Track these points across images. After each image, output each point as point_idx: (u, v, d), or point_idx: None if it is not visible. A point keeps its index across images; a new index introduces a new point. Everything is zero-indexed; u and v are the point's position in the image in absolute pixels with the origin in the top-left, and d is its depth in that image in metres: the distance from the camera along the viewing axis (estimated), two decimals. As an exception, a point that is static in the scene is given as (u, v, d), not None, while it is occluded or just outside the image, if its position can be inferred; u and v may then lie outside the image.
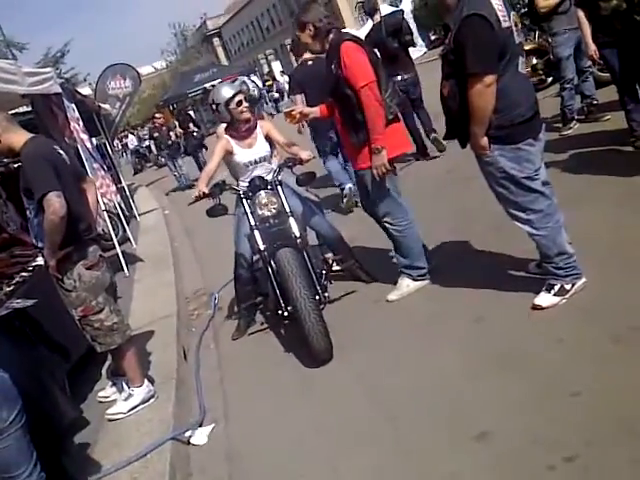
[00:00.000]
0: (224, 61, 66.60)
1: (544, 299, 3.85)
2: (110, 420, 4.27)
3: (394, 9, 10.98)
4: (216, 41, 77.94)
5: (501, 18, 3.47)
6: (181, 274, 8.02)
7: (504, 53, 3.51)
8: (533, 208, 3.74)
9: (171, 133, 16.98)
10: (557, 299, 3.81)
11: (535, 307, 3.85)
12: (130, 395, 4.30)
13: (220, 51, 77.02)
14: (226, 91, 4.88)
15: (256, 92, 5.38)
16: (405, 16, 9.03)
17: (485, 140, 3.62)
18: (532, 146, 3.70)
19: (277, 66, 45.04)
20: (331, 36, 4.51)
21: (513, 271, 4.43)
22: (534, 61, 9.96)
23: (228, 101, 4.86)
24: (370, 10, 8.90)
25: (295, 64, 9.74)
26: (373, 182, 4.58)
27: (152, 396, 4.32)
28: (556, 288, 3.83)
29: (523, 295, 4.03)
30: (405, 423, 3.34)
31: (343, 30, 4.94)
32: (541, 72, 9.90)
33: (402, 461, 3.05)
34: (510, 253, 4.64)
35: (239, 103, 4.87)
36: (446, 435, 3.11)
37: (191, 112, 24.50)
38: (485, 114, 3.54)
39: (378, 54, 4.92)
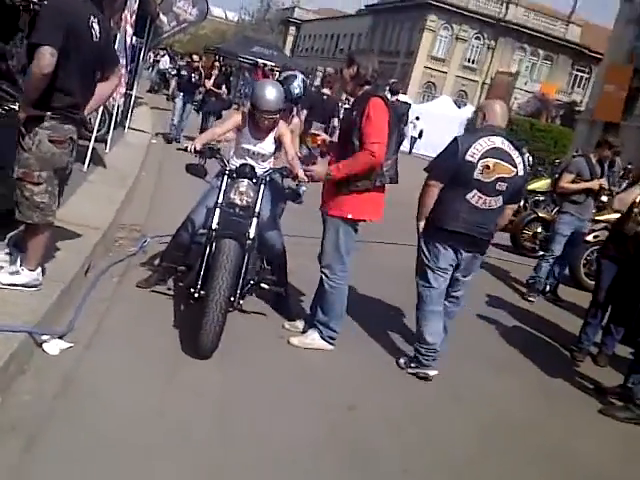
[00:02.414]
0: (287, 50, 66.76)
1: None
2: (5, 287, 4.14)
3: (407, 99, 12.15)
4: (292, 30, 78.44)
5: (469, 153, 4.50)
6: (130, 200, 7.95)
7: (456, 176, 4.57)
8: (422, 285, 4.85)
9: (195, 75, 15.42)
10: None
11: None
12: (17, 272, 4.19)
13: (289, 40, 77.44)
14: (265, 103, 4.81)
15: (297, 91, 5.45)
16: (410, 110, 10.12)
17: (421, 224, 4.79)
18: (446, 250, 4.69)
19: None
20: (367, 87, 4.59)
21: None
22: (538, 229, 10.27)
23: (258, 105, 4.85)
24: (394, 90, 9.64)
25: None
26: (331, 232, 4.70)
27: (35, 286, 4.22)
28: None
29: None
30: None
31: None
32: (538, 242, 10.18)
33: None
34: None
35: (267, 117, 4.86)
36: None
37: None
38: (422, 203, 4.77)
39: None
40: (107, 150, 10.27)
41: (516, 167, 4.57)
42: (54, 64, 3.66)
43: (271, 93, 4.79)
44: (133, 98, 14.16)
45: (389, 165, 4.59)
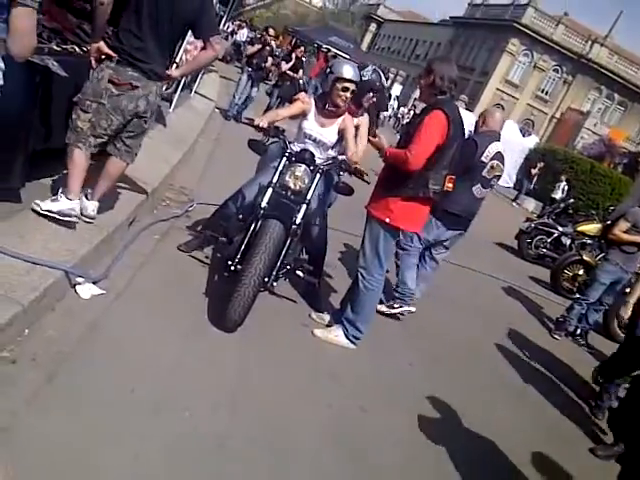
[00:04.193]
0: (364, 46, 66.60)
1: None
2: (33, 210, 4.25)
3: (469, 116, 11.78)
4: (372, 27, 78.30)
5: (485, 155, 5.80)
6: (183, 163, 8.02)
7: (469, 172, 5.67)
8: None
9: (270, 60, 14.64)
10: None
11: None
12: (56, 200, 4.28)
13: (368, 36, 77.31)
14: (346, 70, 4.90)
15: (378, 84, 5.47)
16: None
17: None
18: (439, 228, 5.89)
19: (397, 89, 45.33)
20: (441, 97, 4.55)
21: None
22: (580, 272, 10.12)
23: (340, 78, 4.89)
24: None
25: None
26: (372, 233, 4.72)
27: (70, 216, 4.27)
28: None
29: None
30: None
31: (456, 102, 4.95)
32: (577, 284, 10.04)
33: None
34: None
35: (345, 89, 4.90)
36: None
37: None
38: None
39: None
40: (171, 110, 10.36)
41: (504, 166, 5.97)
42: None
43: (351, 65, 5.03)
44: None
45: (437, 179, 4.55)
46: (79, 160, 4.31)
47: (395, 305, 5.95)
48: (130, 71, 4.19)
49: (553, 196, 22.99)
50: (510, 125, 34.81)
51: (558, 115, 54.33)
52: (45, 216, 4.23)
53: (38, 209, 4.25)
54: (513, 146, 30.66)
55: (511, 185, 31.35)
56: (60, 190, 4.36)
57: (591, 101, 54.85)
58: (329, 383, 4.30)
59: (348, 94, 4.89)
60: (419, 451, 3.98)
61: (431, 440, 4.14)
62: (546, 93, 55.23)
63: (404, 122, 34.56)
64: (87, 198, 4.54)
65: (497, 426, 4.72)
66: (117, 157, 4.51)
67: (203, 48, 4.49)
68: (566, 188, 23.34)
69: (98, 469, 2.68)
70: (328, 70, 5.01)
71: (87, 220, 4.53)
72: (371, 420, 4.08)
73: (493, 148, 5.85)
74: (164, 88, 8.69)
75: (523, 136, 34.88)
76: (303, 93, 5.28)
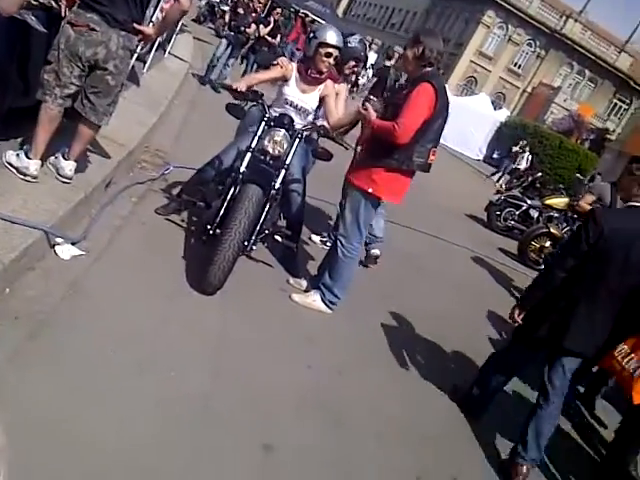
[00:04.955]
0: (340, 12, 65.87)
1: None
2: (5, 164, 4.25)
3: None
4: (347, -6, 77.44)
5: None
6: (158, 126, 7.94)
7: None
8: None
9: (253, 26, 13.85)
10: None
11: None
12: (18, 155, 4.28)
13: (343, 2, 76.39)
14: (330, 36, 4.89)
15: (362, 55, 5.47)
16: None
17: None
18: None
19: (372, 57, 45.08)
20: (428, 69, 4.53)
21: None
22: (546, 244, 10.31)
23: (323, 43, 4.88)
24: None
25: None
26: (352, 203, 4.75)
27: (25, 175, 4.24)
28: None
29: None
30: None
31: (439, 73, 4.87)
32: (543, 255, 10.24)
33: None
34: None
35: (328, 55, 4.89)
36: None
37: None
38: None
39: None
40: (145, 70, 10.21)
41: None
42: None
43: (335, 31, 4.98)
44: (179, 24, 13.97)
45: (421, 153, 4.55)
46: (45, 116, 4.26)
47: (328, 243, 6.21)
48: (89, 14, 4.13)
49: (516, 166, 23.24)
50: (482, 98, 35.00)
51: (529, 89, 54.67)
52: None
53: (3, 158, 4.26)
54: (484, 119, 30.89)
55: (481, 158, 31.58)
56: (25, 147, 4.34)
57: (562, 76, 55.26)
58: (307, 346, 4.37)
59: (331, 60, 4.88)
60: (395, 412, 4.08)
61: (406, 401, 4.25)
62: (519, 67, 55.49)
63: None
64: (64, 158, 4.51)
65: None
66: (83, 114, 4.45)
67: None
68: (530, 158, 23.54)
69: (80, 427, 2.71)
70: (312, 35, 4.99)
71: (64, 180, 4.50)
72: (348, 382, 4.17)
73: None
74: (139, 48, 8.58)
75: (495, 109, 35.07)
76: (284, 58, 5.23)
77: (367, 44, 6.24)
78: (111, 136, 5.80)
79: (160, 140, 7.44)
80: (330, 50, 4.84)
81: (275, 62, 5.23)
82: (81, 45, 4.17)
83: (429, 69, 4.54)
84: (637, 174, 3.91)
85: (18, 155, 4.28)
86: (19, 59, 4.31)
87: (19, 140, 4.74)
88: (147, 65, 10.36)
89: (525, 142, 25.29)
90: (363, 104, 4.84)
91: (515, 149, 24.75)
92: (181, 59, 14.07)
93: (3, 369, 2.77)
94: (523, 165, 22.91)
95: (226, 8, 27.99)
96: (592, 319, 3.80)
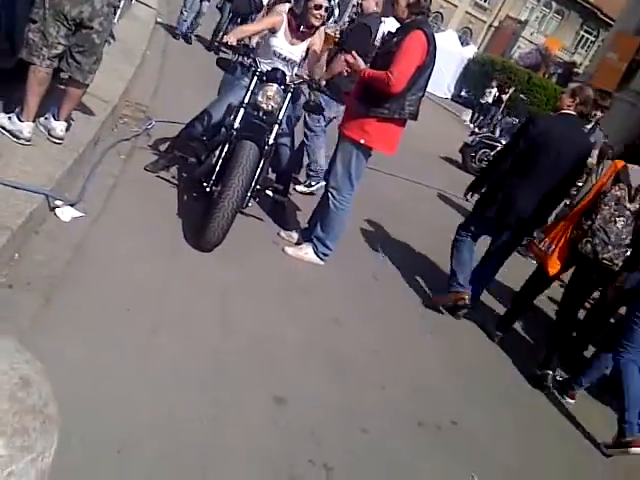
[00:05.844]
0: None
1: None
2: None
3: None
4: None
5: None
6: (136, 78, 7.85)
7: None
8: None
9: None
10: None
11: None
12: (10, 118, 4.28)
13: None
14: None
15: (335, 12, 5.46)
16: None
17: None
18: (339, 107, 5.88)
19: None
20: (419, 17, 4.53)
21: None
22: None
23: None
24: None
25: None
26: (344, 153, 4.79)
27: (18, 138, 4.24)
28: None
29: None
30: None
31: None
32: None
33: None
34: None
35: (318, 7, 4.88)
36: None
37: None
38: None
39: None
40: (115, 21, 9.98)
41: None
42: None
43: None
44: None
45: (412, 101, 4.59)
46: (34, 78, 4.24)
47: (312, 183, 6.62)
48: None
49: (482, 101, 23.23)
50: (449, 34, 34.68)
51: (496, 24, 54.27)
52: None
53: None
54: (452, 56, 30.69)
55: (449, 96, 31.54)
56: (16, 109, 4.32)
57: (529, 9, 54.92)
58: (304, 297, 4.52)
59: (322, 12, 4.87)
60: (392, 362, 4.26)
61: (402, 350, 4.45)
62: (485, 0, 54.91)
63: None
64: (55, 118, 4.51)
65: (463, 329, 5.08)
66: (69, 74, 4.44)
67: None
68: (497, 94, 23.49)
69: (105, 385, 2.83)
70: None
71: (56, 141, 4.52)
72: (346, 330, 4.35)
73: (381, 30, 6.49)
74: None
75: (462, 45, 34.86)
76: (283, 5, 5.17)
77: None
78: (93, 91, 5.73)
79: (139, 93, 7.39)
80: (319, 1, 4.83)
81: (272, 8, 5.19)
82: (66, 4, 4.12)
83: (420, 17, 4.54)
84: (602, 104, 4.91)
85: (10, 118, 4.27)
86: (4, 20, 4.25)
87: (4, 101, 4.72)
88: (118, 14, 10.12)
89: (494, 78, 25.19)
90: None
91: (505, 97, 23.46)
92: (148, 5, 13.74)
93: (26, 335, 2.85)
94: (490, 100, 22.91)
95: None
96: (532, 199, 4.94)
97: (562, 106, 5.01)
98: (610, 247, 4.44)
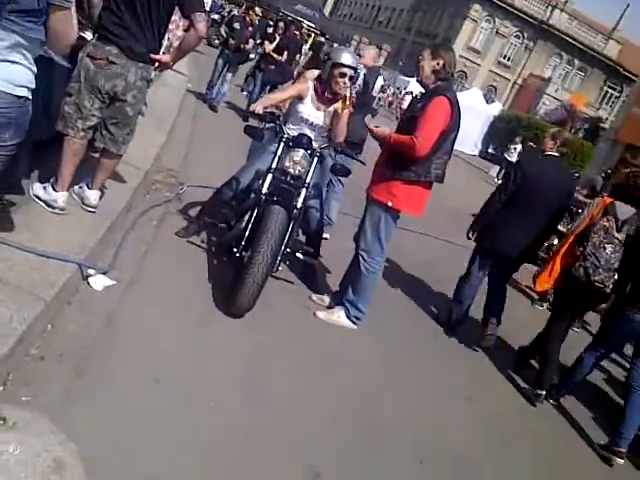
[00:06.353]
0: (326, 12, 65.91)
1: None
2: (34, 197, 4.32)
3: None
4: (334, -7, 77.51)
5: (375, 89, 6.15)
6: (167, 144, 8.00)
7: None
8: None
9: (251, 42, 13.25)
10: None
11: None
12: (45, 188, 4.36)
13: (330, 2, 76.42)
14: (345, 57, 4.94)
15: (358, 84, 5.57)
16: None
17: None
18: (344, 159, 5.75)
19: (360, 56, 45.19)
20: (443, 83, 4.63)
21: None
22: (554, 242, 10.24)
23: (337, 64, 4.94)
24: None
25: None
26: (373, 216, 4.81)
27: (53, 207, 4.31)
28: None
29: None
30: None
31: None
32: (551, 253, 10.21)
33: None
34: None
35: (342, 75, 4.93)
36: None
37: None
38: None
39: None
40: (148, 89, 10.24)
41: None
42: None
43: (349, 52, 5.11)
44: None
45: (438, 164, 4.64)
46: (69, 149, 4.34)
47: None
48: (108, 46, 4.21)
49: (508, 158, 23.21)
50: (474, 92, 35.08)
51: (520, 81, 54.86)
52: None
53: (31, 191, 4.34)
54: (478, 114, 30.95)
55: (477, 153, 31.70)
56: (51, 180, 4.40)
57: (552, 67, 55.48)
58: (337, 365, 4.44)
59: (346, 79, 4.93)
60: (429, 425, 4.15)
61: (437, 417, 4.34)
62: (508, 59, 55.65)
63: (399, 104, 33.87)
64: (88, 187, 4.58)
65: (500, 392, 4.94)
66: (103, 145, 4.53)
67: (186, 29, 4.47)
68: (521, 149, 23.41)
69: (137, 459, 2.78)
70: (326, 57, 5.04)
71: (89, 209, 4.58)
72: (381, 398, 4.26)
73: (379, 82, 7.25)
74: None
75: (487, 103, 35.16)
76: (312, 72, 5.23)
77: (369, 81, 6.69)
78: (125, 159, 5.82)
79: (170, 159, 7.51)
80: (344, 70, 4.89)
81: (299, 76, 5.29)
82: (101, 78, 4.24)
83: (444, 82, 4.63)
84: (632, 162, 5.12)
85: (45, 188, 4.35)
86: (43, 93, 4.35)
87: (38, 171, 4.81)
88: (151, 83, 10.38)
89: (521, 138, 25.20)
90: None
91: (516, 147, 24.15)
92: (179, 72, 14.11)
93: (58, 409, 2.82)
94: (514, 157, 22.89)
95: (216, 17, 28.03)
96: (524, 233, 5.52)
97: (545, 149, 5.67)
98: (600, 270, 4.89)
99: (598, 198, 5.43)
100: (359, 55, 6.51)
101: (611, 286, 4.94)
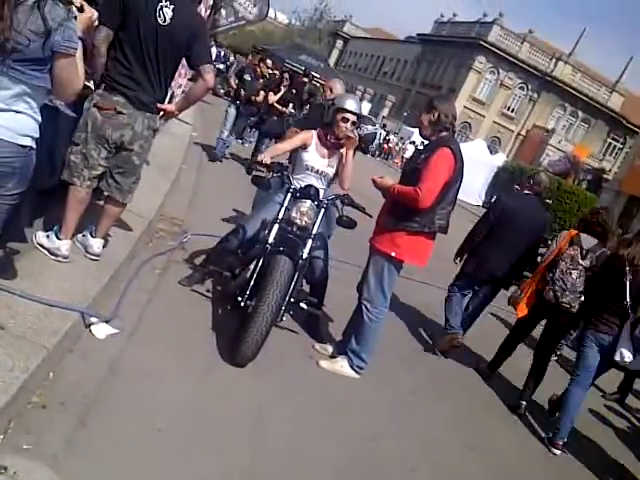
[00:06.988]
0: (330, 63, 67.12)
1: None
2: (37, 245, 4.35)
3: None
4: (339, 43, 79.01)
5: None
6: (171, 192, 8.06)
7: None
8: None
9: (262, 93, 13.01)
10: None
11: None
12: (49, 236, 4.38)
13: (335, 53, 77.87)
14: (349, 103, 5.05)
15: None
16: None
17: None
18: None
19: (365, 107, 45.82)
20: (444, 134, 4.69)
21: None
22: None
23: (341, 109, 5.03)
24: None
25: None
26: (376, 267, 4.82)
27: (57, 255, 4.33)
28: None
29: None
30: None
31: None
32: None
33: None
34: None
35: (345, 120, 5.02)
36: None
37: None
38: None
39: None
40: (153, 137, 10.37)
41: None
42: (108, 39, 4.13)
43: (354, 99, 5.25)
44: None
45: (442, 215, 4.68)
46: (74, 198, 4.38)
47: None
48: (115, 97, 4.27)
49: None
50: (478, 143, 35.49)
51: (524, 132, 55.42)
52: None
53: (34, 239, 4.36)
54: (482, 164, 31.22)
55: (480, 203, 31.82)
56: (55, 227, 4.42)
57: (556, 118, 56.08)
58: (340, 415, 4.40)
59: (349, 125, 5.00)
60: (432, 476, 4.09)
61: (440, 465, 4.28)
62: (512, 110, 56.30)
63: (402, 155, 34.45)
64: (92, 235, 4.61)
65: (503, 443, 4.87)
66: (108, 193, 4.58)
67: (191, 79, 4.54)
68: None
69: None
70: (330, 103, 5.13)
71: (93, 258, 4.60)
72: (383, 447, 4.23)
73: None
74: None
75: (491, 154, 35.48)
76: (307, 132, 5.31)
77: (379, 134, 6.79)
78: (129, 207, 5.87)
79: (174, 207, 7.55)
80: (347, 115, 4.98)
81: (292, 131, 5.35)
82: (108, 128, 4.30)
83: (445, 133, 4.69)
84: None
85: (48, 236, 4.38)
86: (47, 142, 4.42)
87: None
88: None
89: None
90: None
91: None
92: (184, 121, 14.29)
93: (59, 458, 2.80)
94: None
95: (221, 66, 28.46)
96: (502, 260, 6.36)
97: (522, 189, 6.72)
98: (567, 292, 5.56)
99: (565, 231, 6.04)
100: (330, 90, 6.48)
101: (577, 307, 5.57)
